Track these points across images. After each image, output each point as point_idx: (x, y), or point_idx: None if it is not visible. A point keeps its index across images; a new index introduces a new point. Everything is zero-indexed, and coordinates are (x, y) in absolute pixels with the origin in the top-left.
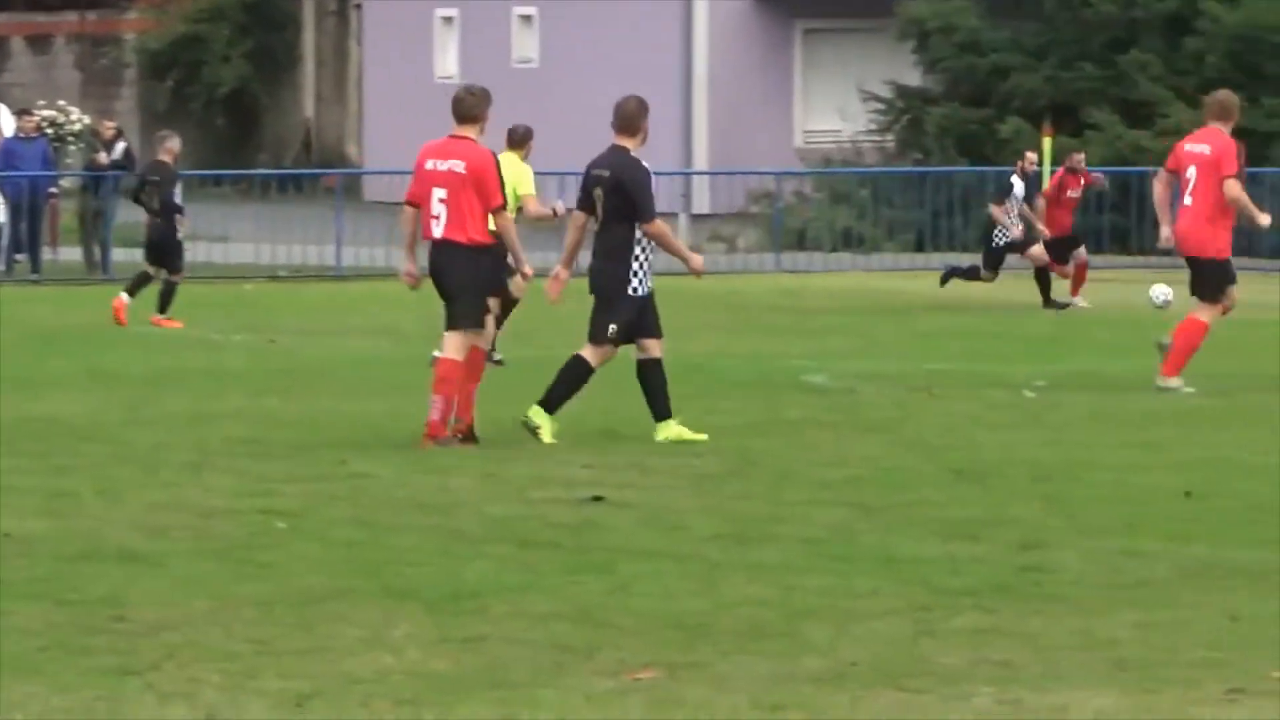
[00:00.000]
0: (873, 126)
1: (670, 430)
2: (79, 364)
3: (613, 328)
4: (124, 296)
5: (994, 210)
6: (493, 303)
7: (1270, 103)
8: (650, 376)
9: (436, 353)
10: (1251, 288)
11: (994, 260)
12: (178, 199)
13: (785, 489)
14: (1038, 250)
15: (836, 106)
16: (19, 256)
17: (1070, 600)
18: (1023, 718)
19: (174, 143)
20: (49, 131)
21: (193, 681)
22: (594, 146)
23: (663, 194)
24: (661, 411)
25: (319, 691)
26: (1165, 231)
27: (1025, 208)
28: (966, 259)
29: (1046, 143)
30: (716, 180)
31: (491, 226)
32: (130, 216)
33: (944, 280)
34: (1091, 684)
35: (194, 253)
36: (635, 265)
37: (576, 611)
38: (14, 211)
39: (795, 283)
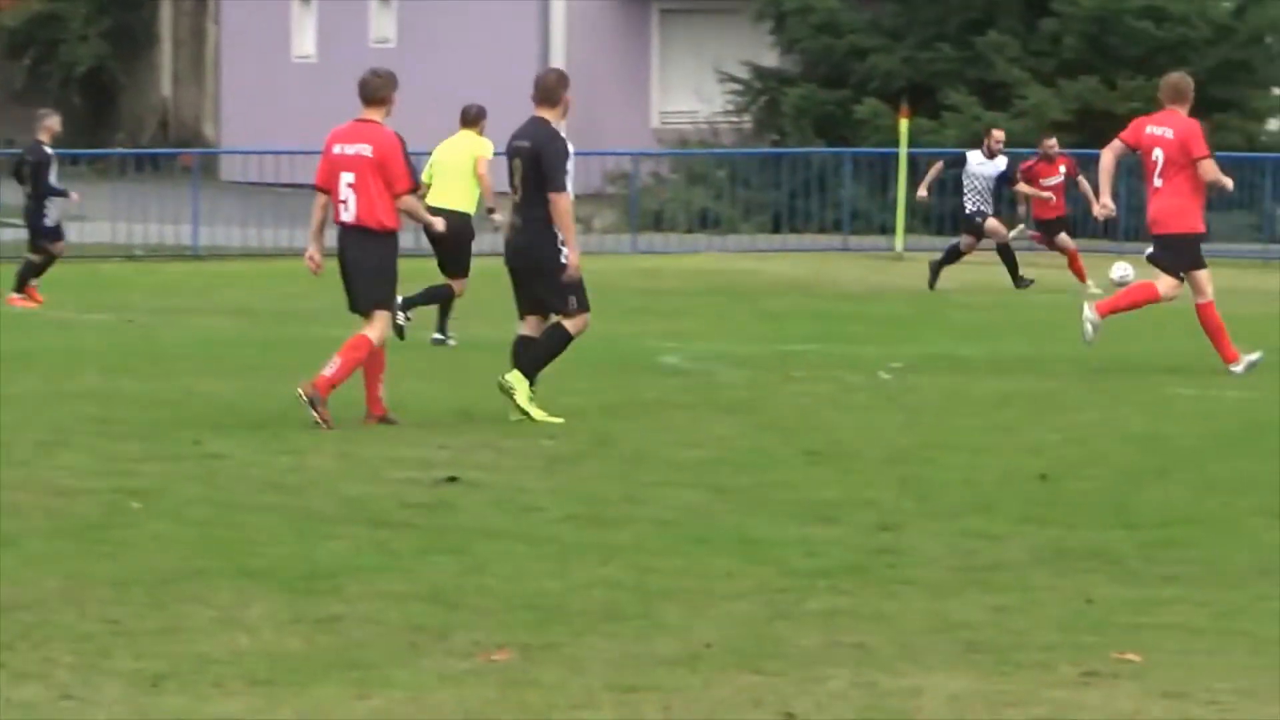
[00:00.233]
0: (729, 107)
1: (521, 394)
2: None
3: (572, 300)
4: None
5: (931, 171)
6: (457, 285)
7: (1127, 85)
8: (544, 341)
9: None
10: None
11: (974, 226)
12: (53, 179)
13: (640, 470)
14: (993, 224)
15: (693, 87)
16: None
17: (924, 583)
18: (877, 701)
19: (52, 121)
20: None
21: (46, 661)
22: (448, 126)
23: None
24: (529, 371)
25: (173, 671)
26: (1104, 199)
27: (1023, 187)
28: (823, 240)
29: (903, 124)
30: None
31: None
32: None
33: (933, 281)
34: (945, 667)
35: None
36: (560, 235)
37: (431, 592)
38: None
39: (651, 264)
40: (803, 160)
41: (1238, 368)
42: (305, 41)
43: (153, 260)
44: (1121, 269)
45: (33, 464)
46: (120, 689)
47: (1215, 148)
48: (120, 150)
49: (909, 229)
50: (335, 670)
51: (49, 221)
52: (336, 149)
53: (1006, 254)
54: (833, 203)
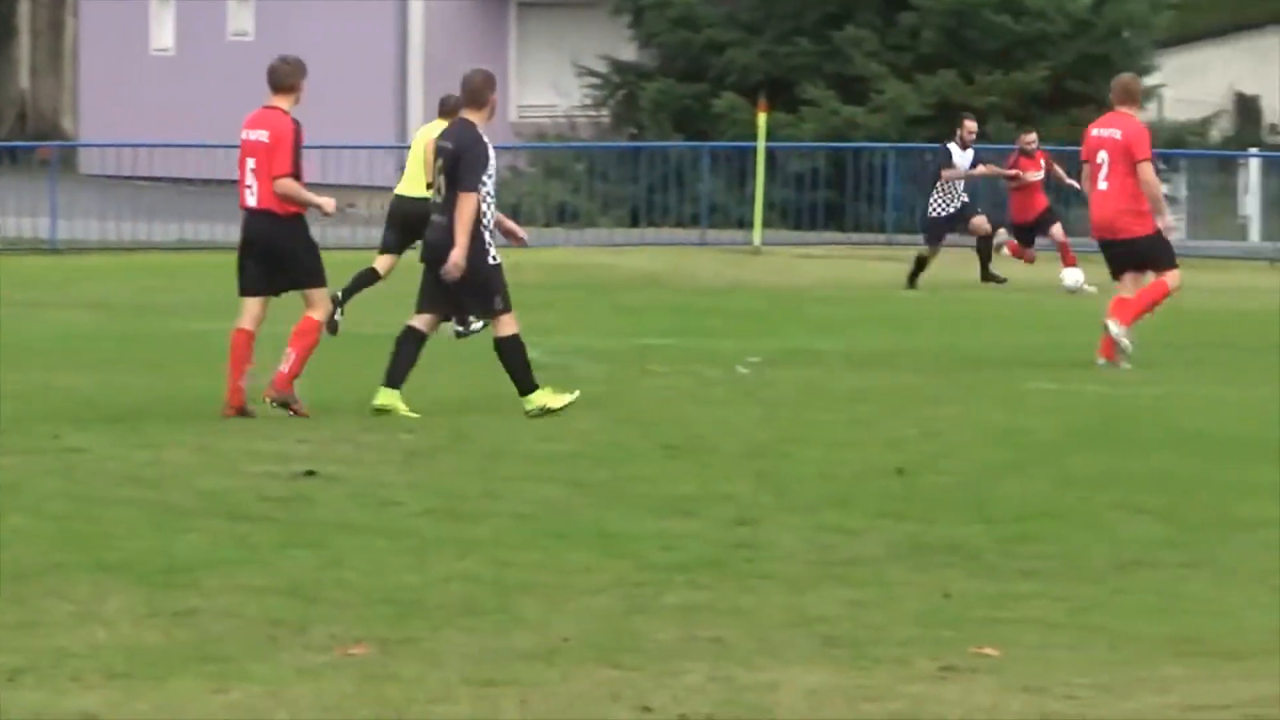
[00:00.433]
0: (587, 101)
1: (538, 400)
2: None
3: (498, 299)
4: None
5: (945, 175)
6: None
7: (984, 79)
8: (507, 360)
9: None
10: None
11: (935, 235)
12: None
13: (499, 465)
14: (979, 221)
15: (551, 81)
16: None
17: (782, 577)
18: (734, 695)
19: None
20: None
21: None
22: (308, 119)
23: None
24: (524, 390)
25: (30, 665)
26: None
27: (988, 167)
28: (680, 234)
29: (761, 118)
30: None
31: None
32: None
33: (912, 280)
34: (803, 661)
35: None
36: (486, 235)
37: (289, 586)
38: None
39: (509, 257)
40: (661, 154)
41: (1115, 328)
42: (164, 34)
43: (10, 254)
44: (1073, 276)
45: None
46: None
47: (1072, 142)
48: None
49: (767, 223)
50: (193, 664)
51: None
52: (243, 134)
53: (984, 249)
54: (690, 197)
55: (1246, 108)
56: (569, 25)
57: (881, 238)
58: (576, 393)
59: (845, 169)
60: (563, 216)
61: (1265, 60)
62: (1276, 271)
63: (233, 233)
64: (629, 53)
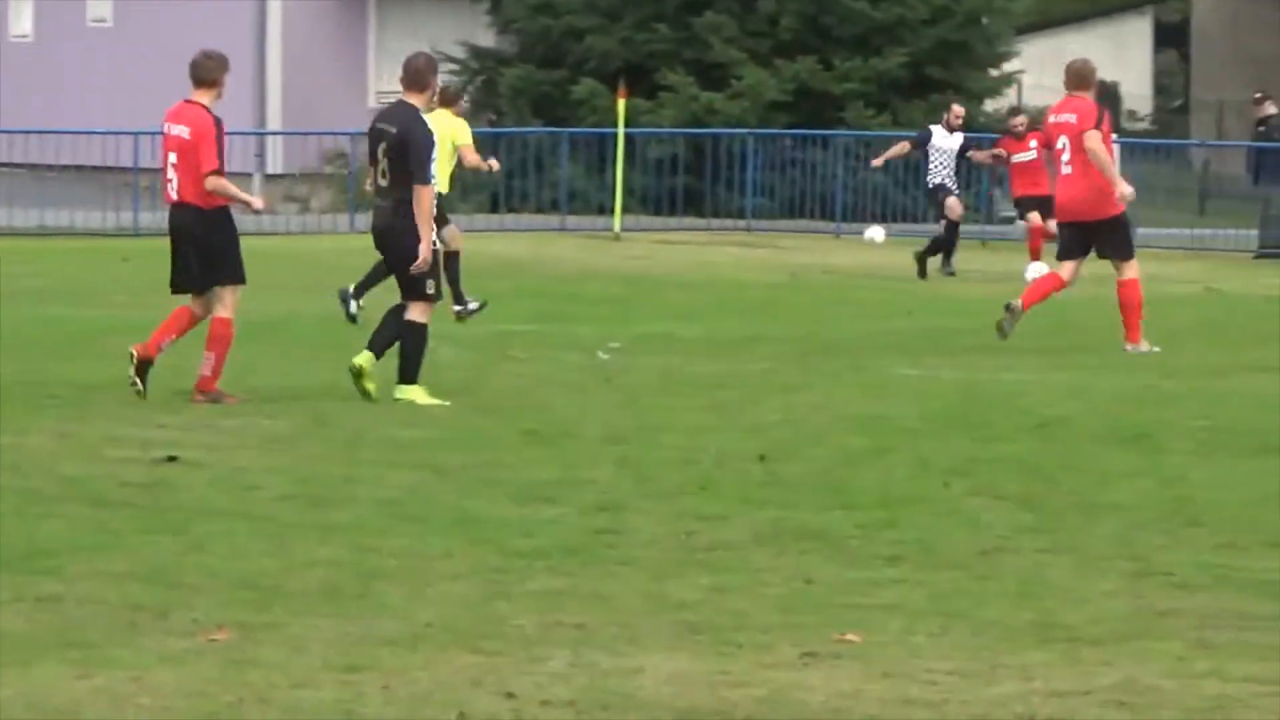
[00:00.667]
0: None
1: (410, 393)
2: None
3: (430, 283)
4: None
5: (881, 158)
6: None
7: (844, 65)
8: (406, 341)
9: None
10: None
11: (937, 201)
12: None
13: (359, 450)
14: (953, 202)
15: None
16: None
17: (643, 563)
18: (597, 681)
19: None
20: None
21: None
22: (168, 103)
23: (236, 153)
24: (406, 377)
25: None
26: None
27: (980, 153)
28: (540, 220)
29: (621, 104)
30: (290, 140)
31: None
32: None
33: (920, 265)
34: (665, 647)
35: None
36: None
37: (151, 571)
38: None
39: (370, 243)
40: (520, 140)
41: (1138, 348)
42: (22, 20)
43: None
44: (1037, 271)
45: None
46: None
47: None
48: None
49: (627, 209)
50: (56, 649)
51: None
52: (165, 128)
53: (951, 234)
54: (550, 183)
55: (1106, 94)
56: (428, 11)
57: (741, 223)
58: (448, 403)
59: (704, 155)
60: None
61: (1124, 47)
62: (1141, 258)
63: (93, 218)
64: (488, 39)
